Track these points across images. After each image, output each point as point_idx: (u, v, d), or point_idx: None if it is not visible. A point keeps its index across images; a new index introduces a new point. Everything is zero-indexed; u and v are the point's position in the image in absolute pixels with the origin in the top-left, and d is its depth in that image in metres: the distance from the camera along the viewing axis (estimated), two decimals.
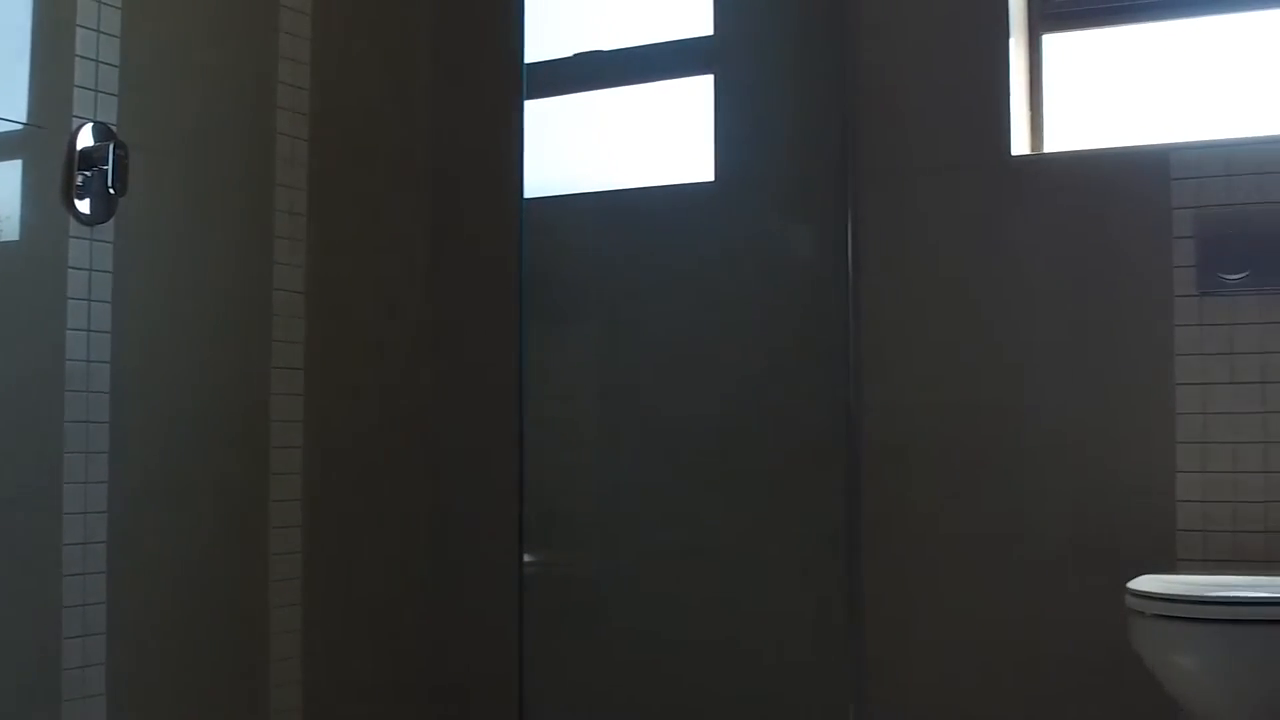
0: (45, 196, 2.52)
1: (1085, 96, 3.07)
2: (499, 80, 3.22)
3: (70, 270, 2.55)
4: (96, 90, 2.61)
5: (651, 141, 3.40)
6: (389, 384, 3.36)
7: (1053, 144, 3.06)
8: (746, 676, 3.08)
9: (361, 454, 3.24)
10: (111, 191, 2.58)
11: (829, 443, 3.05)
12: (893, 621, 3.02)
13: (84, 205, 2.56)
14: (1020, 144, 3.00)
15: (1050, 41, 3.07)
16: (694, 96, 3.31)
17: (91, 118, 2.58)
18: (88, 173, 2.55)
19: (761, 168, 3.24)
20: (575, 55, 3.40)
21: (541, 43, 3.14)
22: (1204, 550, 2.74)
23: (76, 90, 2.58)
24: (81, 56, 2.59)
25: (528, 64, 2.95)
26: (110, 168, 2.57)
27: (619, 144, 3.42)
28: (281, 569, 3.00)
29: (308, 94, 3.12)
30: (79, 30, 2.59)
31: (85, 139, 2.56)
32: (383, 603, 3.29)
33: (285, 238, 3.05)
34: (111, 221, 2.61)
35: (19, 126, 2.48)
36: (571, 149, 3.41)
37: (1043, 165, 3.00)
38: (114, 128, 2.61)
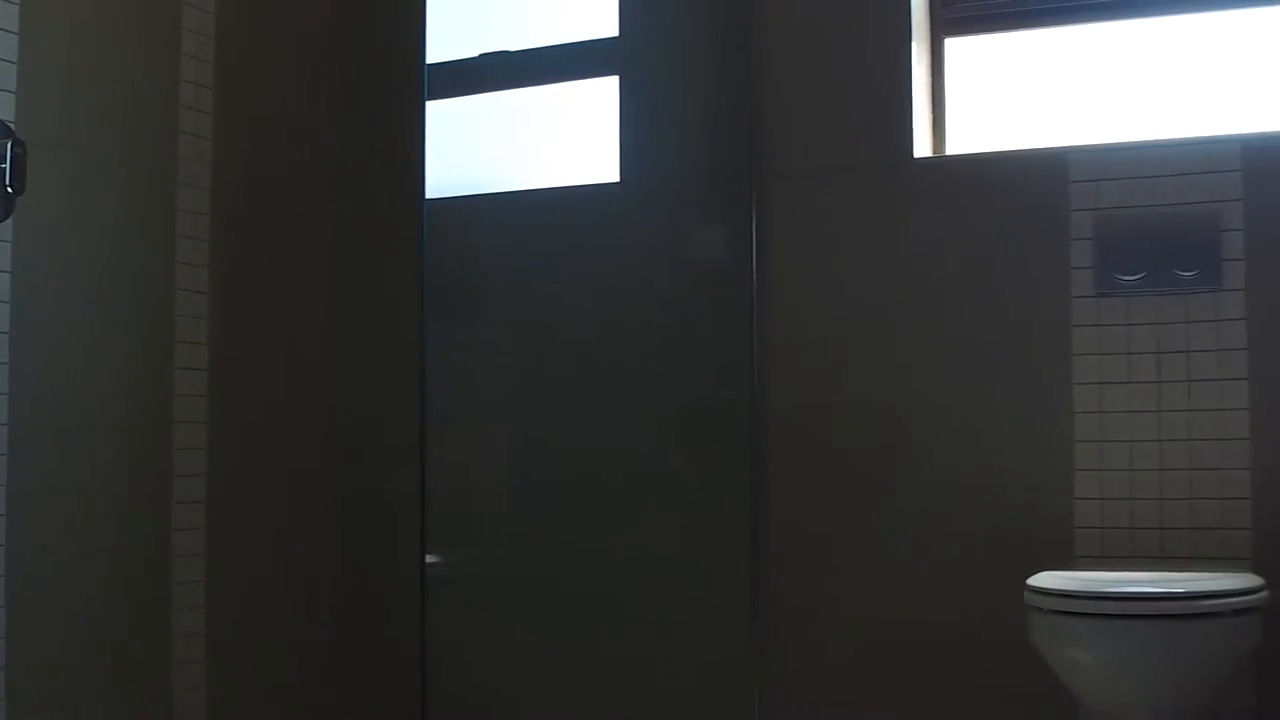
0: None
1: (987, 100, 3.11)
2: (402, 81, 3.21)
3: None
4: None
5: (557, 142, 3.40)
6: (295, 385, 3.33)
7: (955, 146, 3.10)
8: (652, 673, 3.10)
9: (267, 455, 3.21)
10: (9, 190, 2.54)
11: (736, 441, 3.07)
12: (798, 618, 3.05)
13: None
14: (922, 146, 3.04)
15: (952, 45, 3.11)
16: (600, 97, 3.32)
17: None
18: None
19: (667, 168, 3.26)
20: (480, 56, 3.40)
21: (447, 43, 3.13)
22: (1102, 547, 2.80)
23: None
24: None
25: (431, 64, 2.93)
26: (8, 166, 2.53)
27: (525, 145, 3.41)
28: (185, 571, 2.97)
29: (211, 92, 3.08)
30: None
31: None
32: (289, 604, 3.27)
33: (188, 237, 3.01)
34: (10, 221, 2.57)
35: None
36: (477, 150, 3.40)
37: (944, 167, 3.04)
38: (11, 125, 2.57)
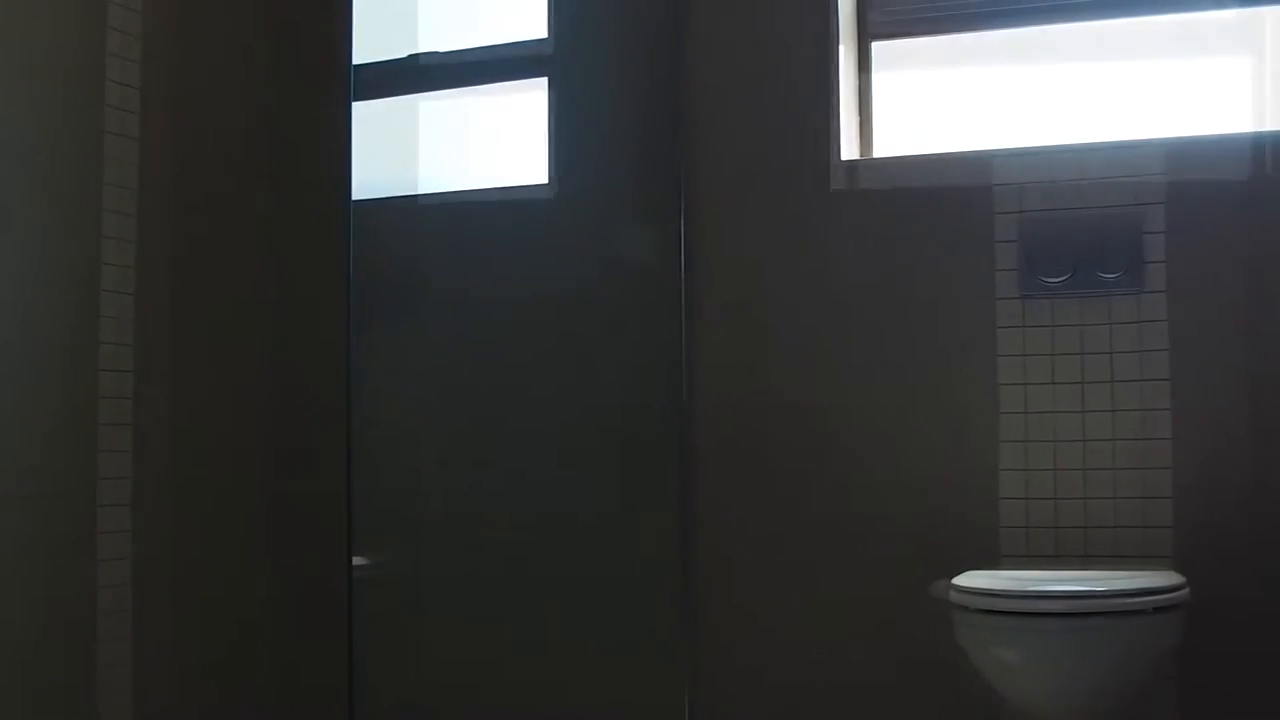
0: None
1: (913, 103, 3.15)
2: (329, 81, 3.20)
3: None
4: None
5: (486, 144, 3.41)
6: (221, 387, 3.30)
7: (881, 149, 3.13)
8: (580, 677, 3.10)
9: (193, 458, 3.19)
10: None
11: (666, 442, 3.08)
12: (726, 617, 3.06)
13: None
14: (850, 149, 3.06)
15: (879, 49, 3.14)
16: (530, 100, 3.32)
17: None
18: None
19: (597, 172, 3.26)
20: (408, 56, 3.39)
21: (373, 43, 3.12)
22: (1027, 546, 2.83)
23: None
24: None
25: (358, 65, 2.93)
26: None
27: (453, 146, 3.41)
28: (110, 574, 2.94)
29: (138, 92, 3.06)
30: None
31: None
32: (216, 607, 3.24)
33: (114, 238, 2.99)
34: None
35: None
36: (405, 151, 3.39)
37: (871, 169, 3.07)
38: None
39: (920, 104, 3.15)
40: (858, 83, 3.13)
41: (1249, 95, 2.90)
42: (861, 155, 3.11)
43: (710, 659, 3.07)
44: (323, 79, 3.27)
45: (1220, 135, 2.81)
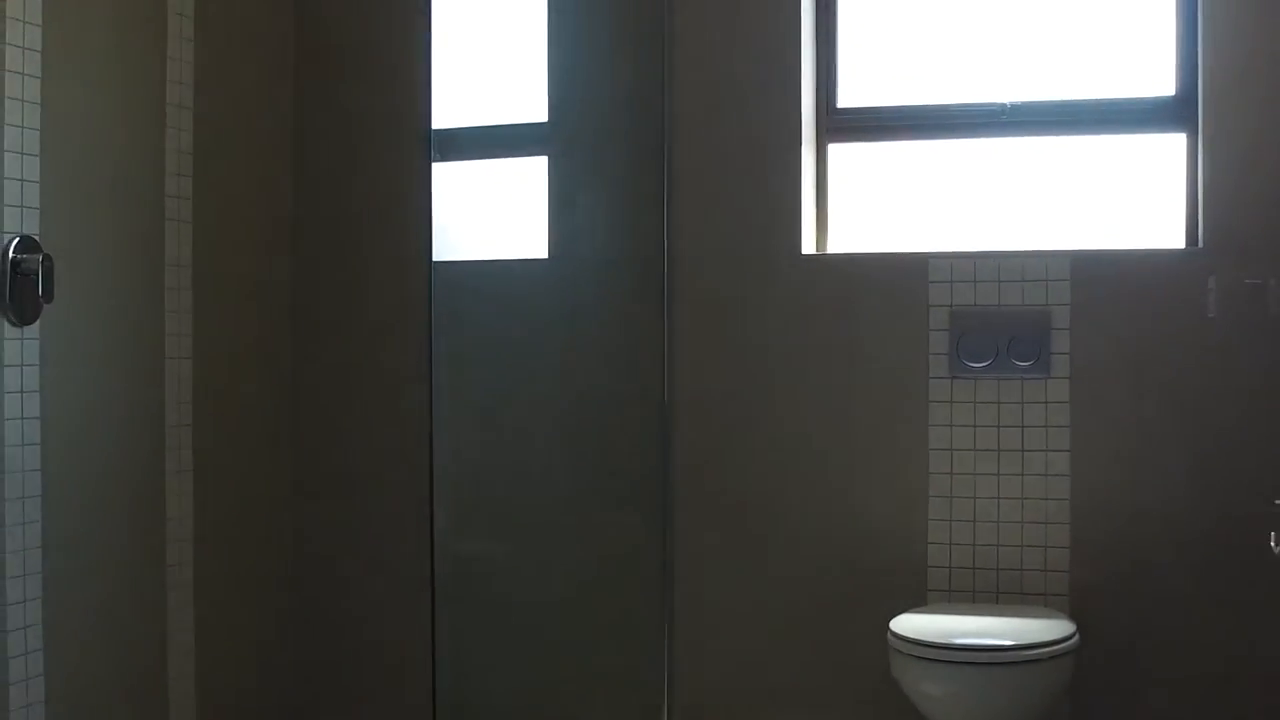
0: None
1: (863, 202, 3.65)
2: (404, 146, 3.71)
3: (5, 368, 2.95)
4: (22, 206, 2.99)
5: (493, 216, 3.87)
6: (265, 420, 3.81)
7: (835, 242, 3.63)
8: (567, 682, 3.66)
9: (246, 526, 3.70)
10: (40, 298, 2.98)
11: (649, 492, 3.61)
12: (695, 651, 3.63)
13: (15, 311, 2.96)
14: (808, 242, 3.57)
15: (834, 150, 3.64)
16: (533, 176, 3.79)
17: (19, 232, 2.97)
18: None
19: (590, 248, 3.74)
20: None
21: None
22: (949, 583, 3.41)
23: (5, 209, 2.96)
24: (9, 178, 2.97)
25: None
26: (39, 278, 2.97)
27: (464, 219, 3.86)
28: (176, 599, 3.47)
29: (190, 181, 3.51)
30: (6, 154, 2.96)
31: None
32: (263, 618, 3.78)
33: (174, 311, 3.46)
34: (38, 322, 3.01)
35: None
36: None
37: (826, 263, 3.57)
38: (37, 238, 3.00)
39: (867, 201, 3.65)
40: (816, 181, 3.63)
41: (1144, 215, 3.44)
42: (818, 248, 3.62)
43: (683, 675, 3.64)
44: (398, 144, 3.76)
45: (1116, 250, 3.35)
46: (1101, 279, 3.32)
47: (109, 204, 3.30)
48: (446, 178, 3.64)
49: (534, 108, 3.79)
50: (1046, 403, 3.34)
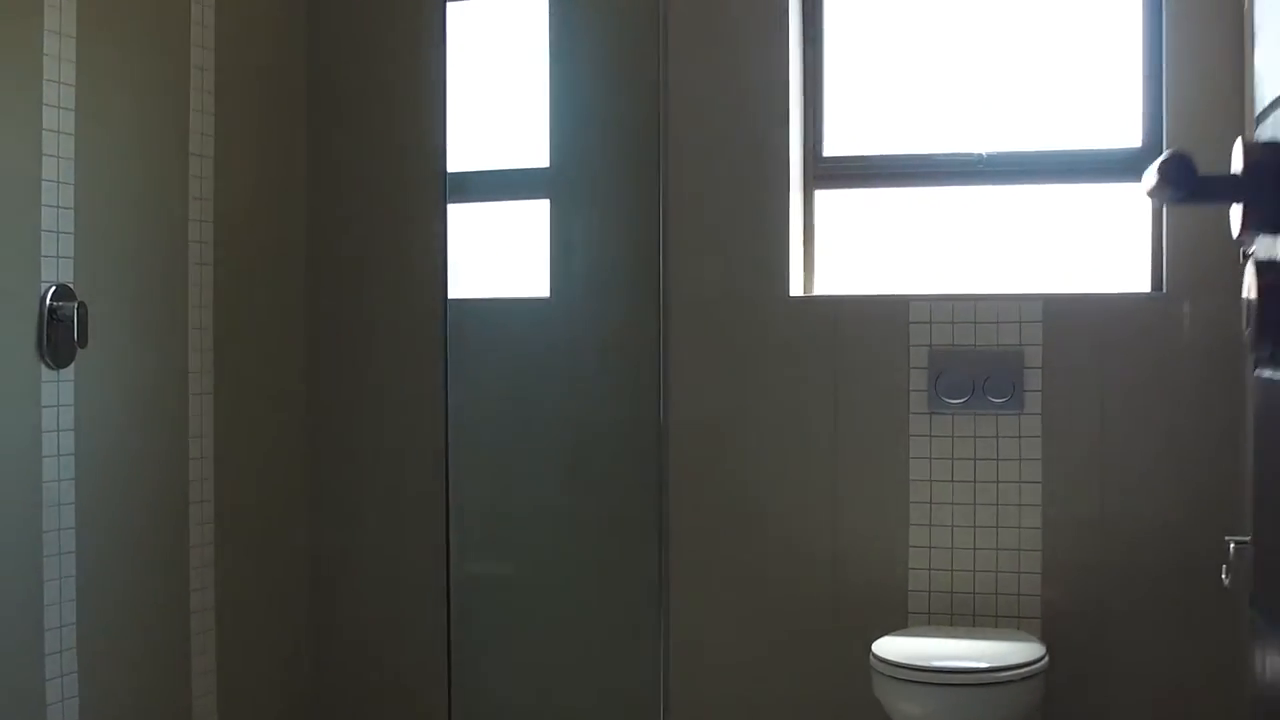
0: (23, 351, 3.11)
1: (848, 246, 3.86)
2: (417, 188, 3.91)
3: (43, 409, 3.15)
4: (58, 256, 3.20)
5: (497, 257, 4.08)
6: (278, 455, 4.02)
7: (822, 284, 3.84)
8: (569, 697, 3.87)
9: (268, 536, 3.91)
10: (76, 342, 3.18)
11: (645, 515, 3.82)
12: (693, 651, 3.84)
13: (52, 355, 3.16)
14: (796, 284, 3.78)
15: (821, 197, 3.84)
16: (534, 219, 4.00)
17: (55, 281, 3.17)
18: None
19: (589, 288, 3.95)
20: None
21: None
22: (929, 607, 3.61)
23: (43, 259, 3.16)
24: (46, 230, 3.17)
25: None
26: (74, 324, 3.17)
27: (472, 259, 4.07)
28: (199, 623, 3.67)
29: (212, 226, 3.71)
30: (44, 209, 3.16)
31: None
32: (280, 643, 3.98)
33: (197, 350, 3.67)
34: (72, 365, 3.22)
35: None
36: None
37: (813, 305, 3.77)
38: (72, 286, 3.20)
39: (853, 245, 3.86)
40: (804, 225, 3.84)
41: (1111, 260, 3.65)
42: (805, 289, 3.83)
43: (679, 658, 3.85)
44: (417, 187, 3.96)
45: (1086, 294, 3.57)
46: (1071, 321, 3.53)
47: (137, 251, 3.50)
48: (456, 219, 3.86)
49: (537, 153, 4.00)
50: (1020, 437, 3.55)
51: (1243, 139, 1.20)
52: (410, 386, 3.97)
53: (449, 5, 3.90)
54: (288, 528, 4.07)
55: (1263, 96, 1.22)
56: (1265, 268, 1.15)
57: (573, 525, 3.87)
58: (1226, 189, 1.17)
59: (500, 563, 3.94)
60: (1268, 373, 1.21)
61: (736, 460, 3.79)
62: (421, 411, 3.89)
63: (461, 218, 3.95)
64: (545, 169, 4.00)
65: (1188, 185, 1.18)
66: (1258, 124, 1.26)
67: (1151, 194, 1.22)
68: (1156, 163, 1.21)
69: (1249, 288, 1.15)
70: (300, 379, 4.12)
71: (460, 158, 3.92)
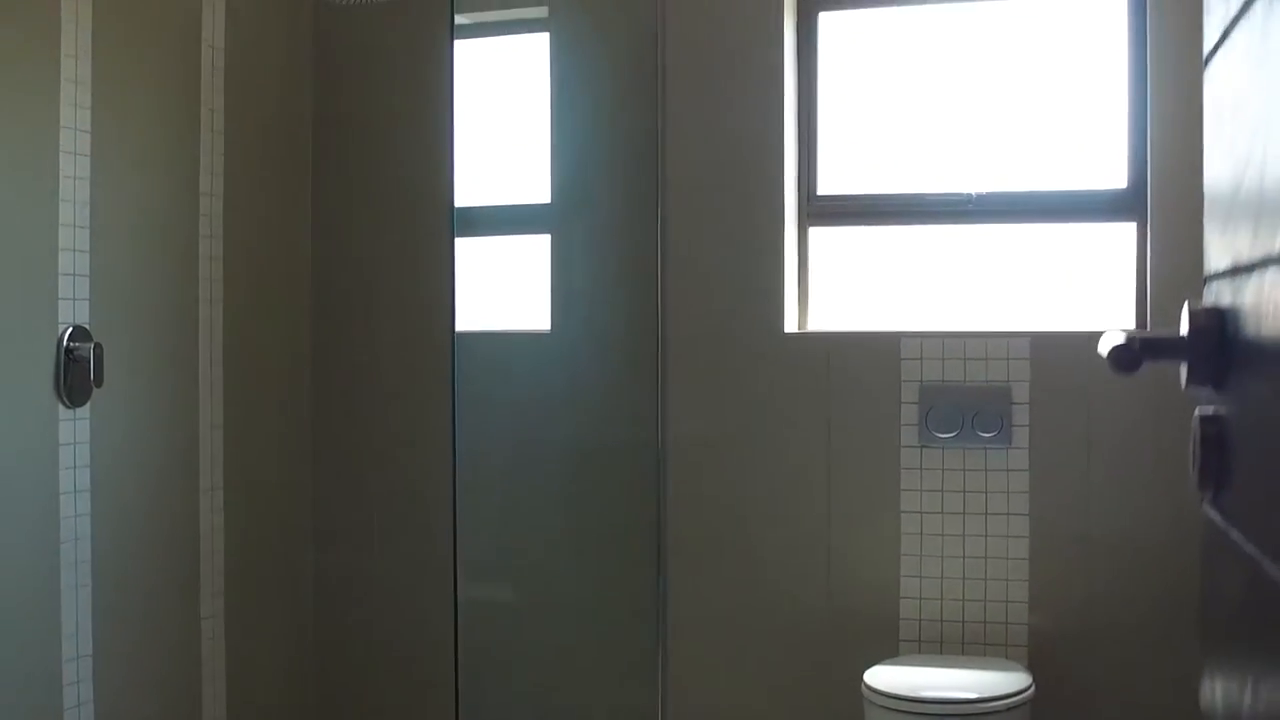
0: (41, 390, 3.22)
1: (841, 283, 3.96)
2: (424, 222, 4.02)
3: (60, 446, 3.26)
4: (74, 298, 3.30)
5: (499, 290, 4.18)
6: (283, 486, 4.12)
7: (816, 319, 3.94)
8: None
9: (280, 554, 4.02)
10: (91, 382, 3.28)
11: (645, 543, 3.93)
12: (688, 677, 3.94)
13: (69, 394, 3.26)
14: (791, 320, 3.88)
15: (815, 235, 3.94)
16: (536, 254, 4.10)
17: (72, 322, 3.27)
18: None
19: (590, 322, 4.05)
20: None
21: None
22: (919, 635, 3.72)
23: (60, 301, 3.27)
24: (64, 274, 3.27)
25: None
26: (90, 364, 3.27)
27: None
28: (209, 647, 3.78)
29: (221, 264, 3.82)
30: (61, 253, 3.27)
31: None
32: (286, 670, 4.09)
33: (208, 385, 3.77)
34: (88, 404, 3.32)
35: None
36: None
37: (807, 341, 3.87)
38: (88, 327, 3.31)
39: (846, 282, 3.96)
40: (799, 262, 3.94)
41: (1098, 298, 3.75)
42: (800, 326, 3.93)
43: (677, 682, 3.95)
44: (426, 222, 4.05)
45: (1072, 331, 3.67)
46: (1058, 358, 3.63)
47: (149, 291, 3.61)
48: (461, 253, 3.96)
49: (538, 189, 4.10)
50: (1008, 470, 3.65)
51: (1189, 304, 1.33)
52: (417, 416, 4.07)
53: (456, 43, 4.00)
54: (296, 555, 4.17)
55: (1210, 265, 1.35)
56: (1206, 420, 1.26)
57: (573, 551, 3.97)
58: (1174, 350, 1.29)
59: (502, 586, 4.04)
60: (1211, 512, 1.32)
61: (733, 491, 3.89)
62: (428, 440, 3.99)
63: (465, 252, 4.04)
64: (547, 205, 4.10)
65: (1132, 366, 1.31)
66: (1204, 285, 1.40)
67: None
68: (1105, 348, 1.35)
69: (1194, 437, 1.27)
70: (308, 411, 4.23)
71: (464, 193, 4.01)
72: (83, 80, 3.31)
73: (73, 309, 3.30)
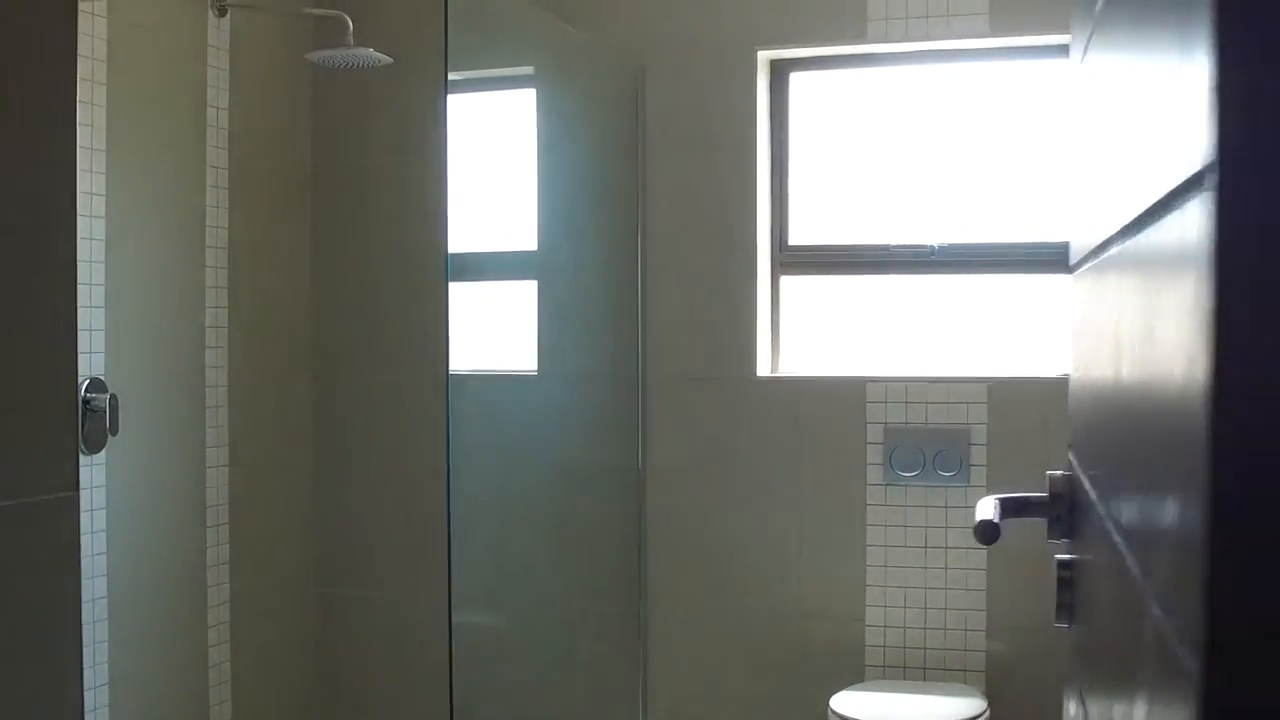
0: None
1: (811, 328, 4.20)
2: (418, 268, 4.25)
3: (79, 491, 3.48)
4: (91, 351, 3.53)
5: (488, 333, 4.41)
6: (286, 512, 4.35)
7: (788, 363, 4.18)
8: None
9: (284, 590, 4.25)
10: (108, 430, 3.51)
11: (627, 575, 4.16)
12: (668, 698, 4.18)
13: (86, 442, 3.49)
14: (764, 364, 4.12)
15: (786, 283, 4.18)
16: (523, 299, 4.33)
17: (89, 374, 3.50)
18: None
19: (575, 365, 4.29)
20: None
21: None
22: (884, 661, 3.96)
23: (79, 355, 3.49)
24: (82, 329, 3.50)
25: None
26: (107, 414, 3.50)
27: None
28: (215, 675, 4.01)
29: (226, 313, 4.05)
30: (79, 309, 3.49)
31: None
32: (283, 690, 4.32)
33: (214, 427, 4.01)
34: (104, 450, 3.55)
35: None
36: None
37: (779, 384, 4.11)
38: (104, 379, 3.54)
39: (816, 327, 4.20)
40: (771, 309, 4.18)
41: (1052, 345, 3.99)
42: (773, 369, 4.17)
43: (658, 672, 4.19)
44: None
45: (1027, 377, 3.90)
46: (1014, 402, 3.86)
47: (159, 342, 3.84)
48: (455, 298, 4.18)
49: (525, 238, 4.33)
50: (966, 507, 3.87)
51: (1050, 474, 1.61)
52: (414, 454, 4.30)
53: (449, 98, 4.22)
54: (298, 588, 4.40)
55: (1072, 438, 1.61)
56: (1062, 564, 1.55)
57: (559, 579, 4.20)
58: (1040, 508, 1.57)
59: (493, 613, 4.27)
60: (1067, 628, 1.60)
61: (709, 524, 4.12)
62: (424, 475, 4.21)
63: (457, 297, 4.26)
64: (534, 252, 4.32)
65: (993, 539, 1.73)
66: (1068, 449, 1.69)
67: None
68: (975, 520, 1.74)
69: (1057, 577, 1.53)
70: (311, 450, 4.46)
71: (456, 240, 4.24)
72: (97, 147, 3.54)
73: (89, 362, 3.52)
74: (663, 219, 4.16)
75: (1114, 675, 1.05)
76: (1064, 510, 1.56)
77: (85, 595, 3.50)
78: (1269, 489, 0.64)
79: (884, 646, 3.97)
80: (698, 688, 4.14)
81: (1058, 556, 1.59)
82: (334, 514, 4.44)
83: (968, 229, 4.06)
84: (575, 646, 4.22)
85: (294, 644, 4.41)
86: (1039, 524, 3.75)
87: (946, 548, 3.91)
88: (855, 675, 3.95)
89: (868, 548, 3.98)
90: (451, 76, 4.17)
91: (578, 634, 4.23)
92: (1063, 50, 3.77)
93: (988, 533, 1.68)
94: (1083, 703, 1.37)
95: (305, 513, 4.45)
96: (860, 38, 3.99)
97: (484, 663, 4.18)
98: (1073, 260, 1.62)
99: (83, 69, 3.47)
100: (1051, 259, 3.96)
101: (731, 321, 4.11)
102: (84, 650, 3.53)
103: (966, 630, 3.90)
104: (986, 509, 1.71)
